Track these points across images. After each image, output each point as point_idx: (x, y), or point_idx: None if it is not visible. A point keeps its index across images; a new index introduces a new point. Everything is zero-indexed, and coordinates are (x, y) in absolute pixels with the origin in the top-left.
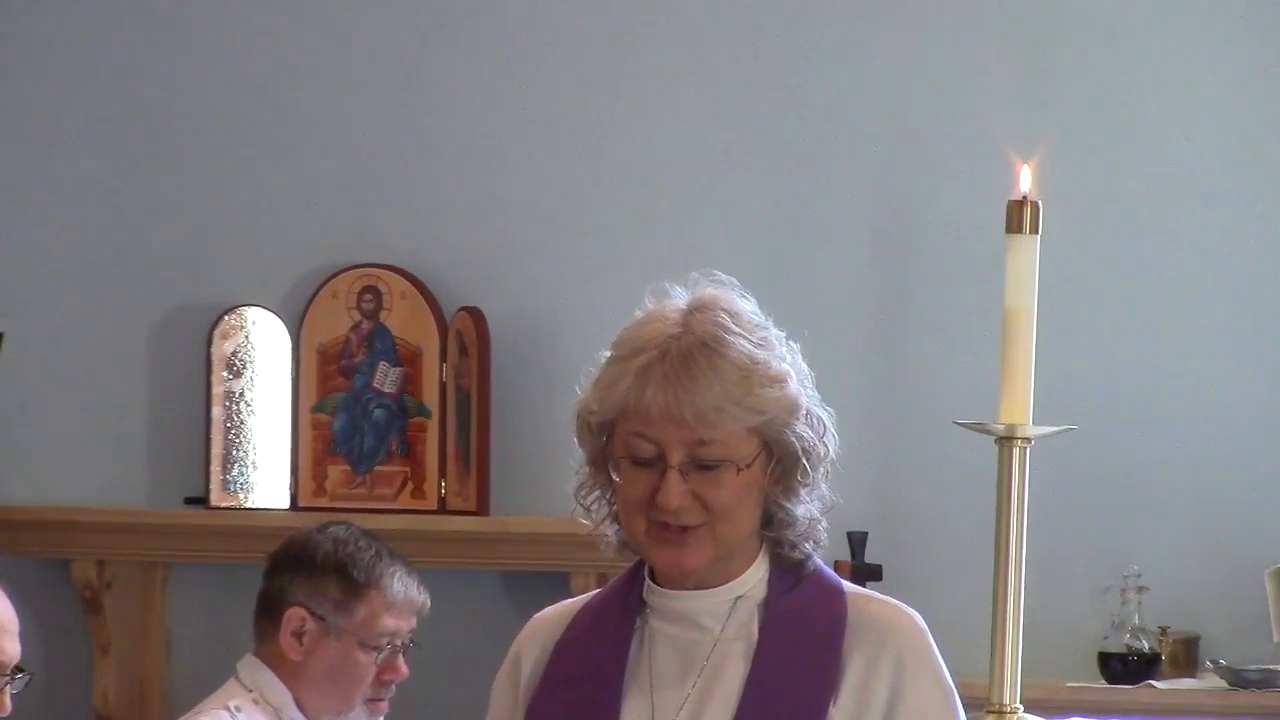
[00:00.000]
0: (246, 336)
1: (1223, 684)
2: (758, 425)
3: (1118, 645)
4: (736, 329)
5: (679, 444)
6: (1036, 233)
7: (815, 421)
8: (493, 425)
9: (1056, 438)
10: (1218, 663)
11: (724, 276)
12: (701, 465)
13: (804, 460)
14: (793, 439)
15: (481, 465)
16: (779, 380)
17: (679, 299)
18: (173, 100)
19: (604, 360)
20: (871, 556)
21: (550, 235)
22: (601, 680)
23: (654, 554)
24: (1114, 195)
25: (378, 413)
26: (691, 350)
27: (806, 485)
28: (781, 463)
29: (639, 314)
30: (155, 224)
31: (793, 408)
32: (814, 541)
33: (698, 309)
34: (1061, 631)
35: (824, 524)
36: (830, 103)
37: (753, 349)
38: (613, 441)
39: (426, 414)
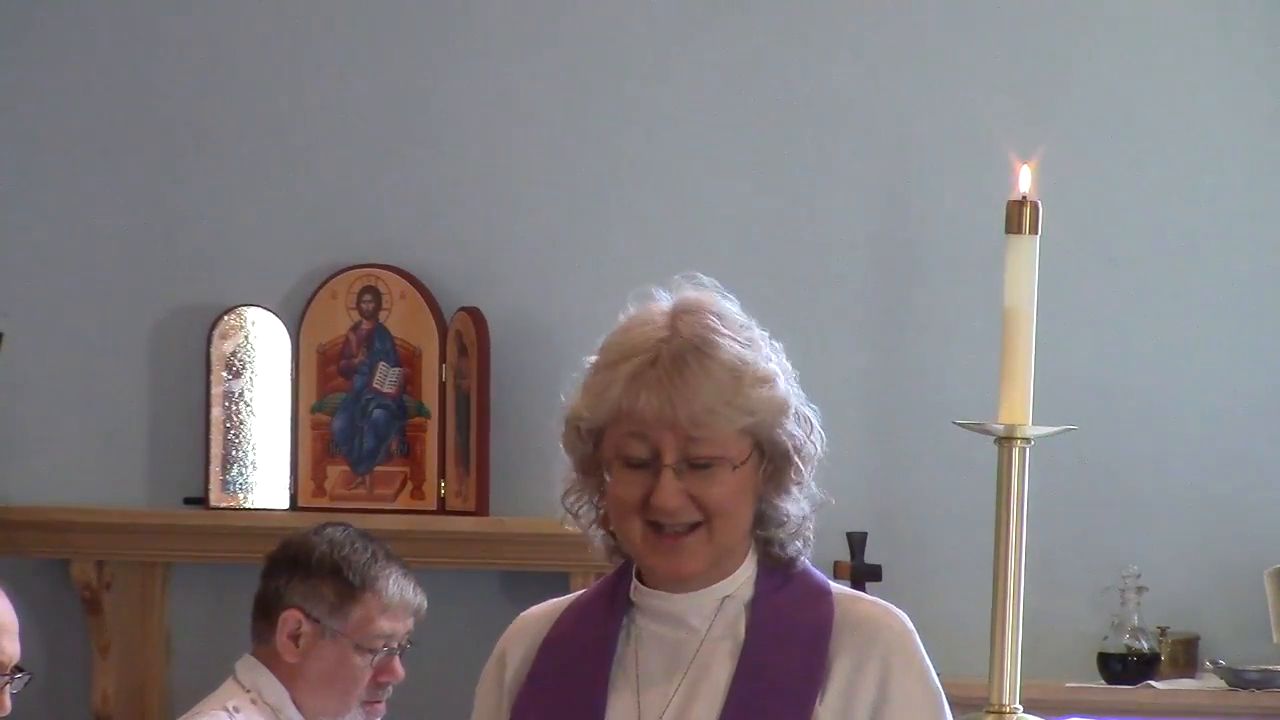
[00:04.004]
0: (246, 337)
1: (1222, 684)
2: (749, 425)
3: (1117, 645)
4: (725, 330)
5: (673, 444)
6: (1036, 233)
7: (803, 420)
8: (492, 425)
9: (1056, 438)
10: (1217, 663)
11: (706, 279)
12: (695, 464)
13: (795, 458)
14: (783, 437)
15: (481, 465)
16: (768, 380)
17: (662, 302)
18: (173, 100)
19: (590, 367)
20: (871, 556)
21: (550, 235)
22: (587, 678)
23: (652, 562)
24: (1114, 195)
25: (377, 413)
26: (682, 353)
27: (798, 483)
28: (773, 461)
29: (622, 319)
30: (155, 224)
31: (782, 407)
32: (804, 541)
33: (684, 311)
34: (1061, 631)
35: (812, 522)
36: (830, 103)
37: (741, 350)
38: (603, 447)
39: (426, 414)
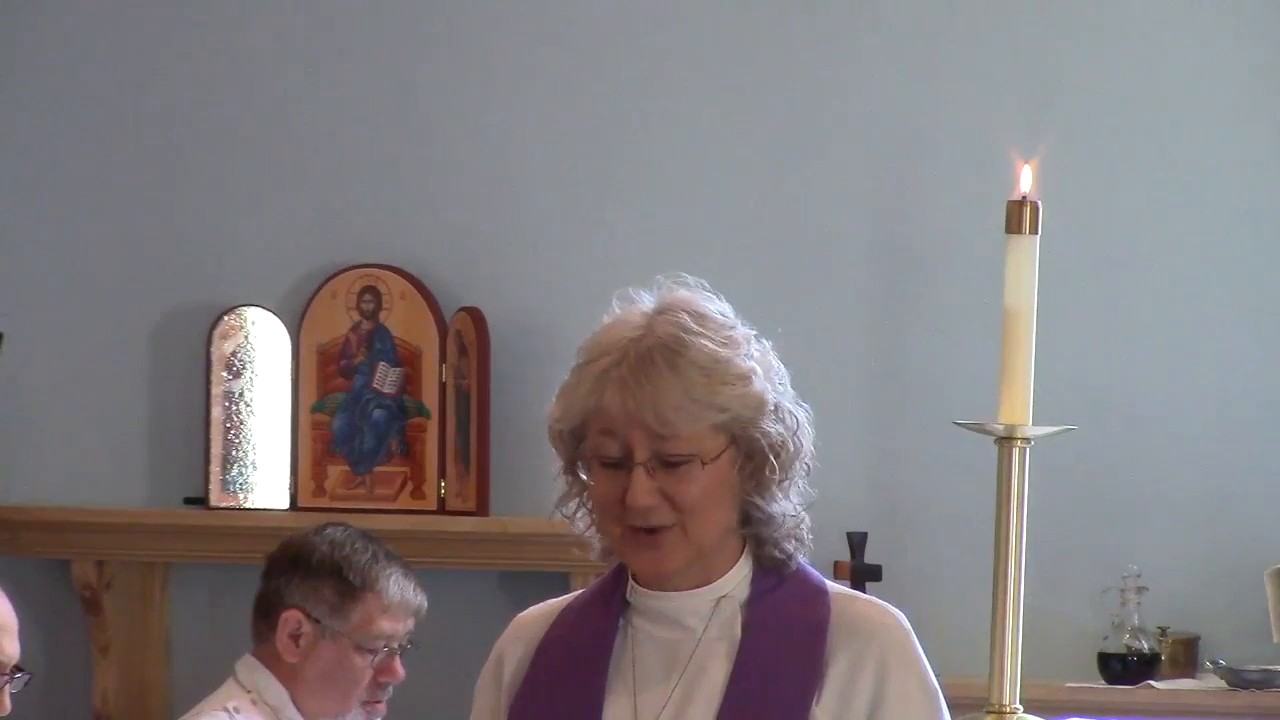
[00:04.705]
0: (246, 337)
1: (1222, 684)
2: (722, 422)
3: (1117, 645)
4: (698, 329)
5: (643, 442)
6: (1036, 233)
7: (787, 417)
8: (492, 425)
9: (1056, 438)
10: (1217, 663)
11: (691, 279)
12: (667, 462)
13: (772, 457)
14: (759, 435)
15: (481, 465)
16: (743, 378)
17: (645, 303)
18: (172, 100)
19: (572, 368)
20: (871, 556)
21: (549, 235)
22: (584, 679)
23: (631, 559)
24: (1114, 195)
25: (377, 413)
26: (651, 351)
27: (780, 482)
28: (752, 460)
29: (606, 319)
30: (155, 224)
31: (758, 405)
32: (798, 541)
33: (661, 311)
34: (1061, 631)
35: (807, 523)
36: (830, 102)
37: (715, 348)
38: (584, 446)
39: (426, 414)
